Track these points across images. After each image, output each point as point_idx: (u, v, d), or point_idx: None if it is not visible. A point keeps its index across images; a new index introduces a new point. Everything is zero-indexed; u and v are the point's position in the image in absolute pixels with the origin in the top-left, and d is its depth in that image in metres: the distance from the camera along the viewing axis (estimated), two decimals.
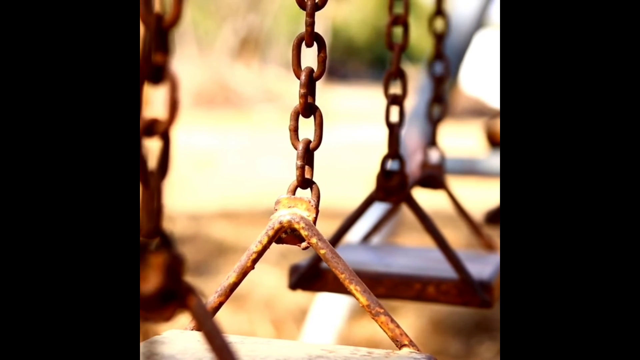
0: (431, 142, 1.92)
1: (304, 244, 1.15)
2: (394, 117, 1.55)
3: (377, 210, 2.00)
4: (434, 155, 1.90)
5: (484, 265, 1.63)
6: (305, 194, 1.18)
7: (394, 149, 1.54)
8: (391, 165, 1.55)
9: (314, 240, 1.14)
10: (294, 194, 1.18)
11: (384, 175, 1.53)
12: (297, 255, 4.36)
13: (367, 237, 1.91)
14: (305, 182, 1.18)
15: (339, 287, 1.53)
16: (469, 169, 3.48)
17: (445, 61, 1.91)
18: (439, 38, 1.91)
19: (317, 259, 1.52)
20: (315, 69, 1.19)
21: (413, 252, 1.77)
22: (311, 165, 1.19)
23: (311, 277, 1.54)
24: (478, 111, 14.77)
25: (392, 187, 1.53)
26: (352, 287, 1.12)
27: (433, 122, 1.93)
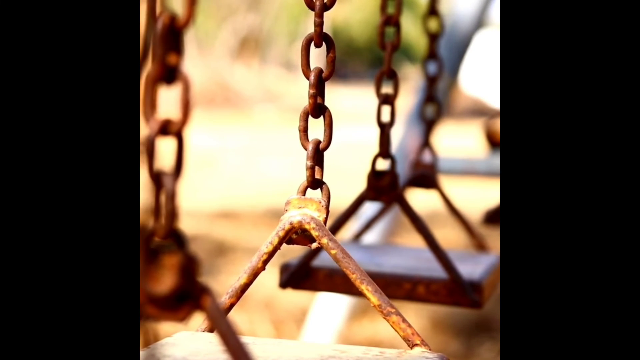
0: (425, 141, 1.92)
1: (314, 245, 1.15)
2: (386, 117, 1.55)
3: (372, 209, 2.00)
4: (427, 155, 1.90)
5: (476, 266, 1.63)
6: (315, 194, 1.18)
7: (385, 148, 1.54)
8: (383, 164, 1.55)
9: (324, 240, 1.14)
10: (304, 194, 1.17)
11: (375, 175, 1.53)
12: (297, 255, 4.36)
13: (358, 236, 1.91)
14: (315, 183, 1.18)
15: (329, 286, 1.54)
16: (469, 169, 3.47)
17: (438, 61, 1.91)
18: (433, 38, 1.91)
19: (307, 258, 1.53)
20: (323, 69, 1.19)
21: (406, 252, 1.77)
22: (321, 166, 1.19)
23: (302, 276, 1.54)
24: (478, 111, 14.76)
25: (383, 186, 1.53)
26: (363, 287, 1.12)
27: (427, 121, 1.93)
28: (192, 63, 15.96)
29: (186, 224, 5.93)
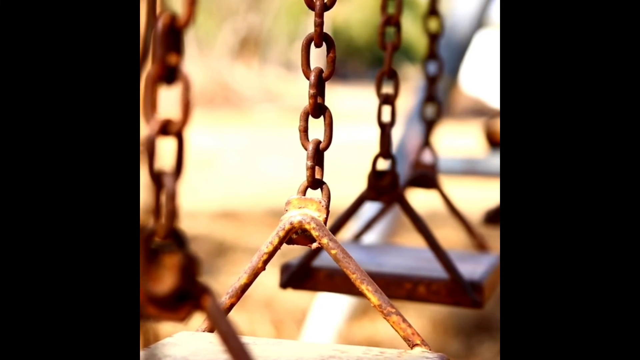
0: (425, 141, 1.92)
1: (314, 245, 1.15)
2: (386, 117, 1.55)
3: (373, 209, 2.00)
4: (427, 155, 1.91)
5: (476, 265, 1.63)
6: (315, 194, 1.18)
7: (386, 148, 1.54)
8: (384, 164, 1.55)
9: (324, 240, 1.14)
10: (304, 194, 1.17)
11: (376, 175, 1.53)
12: (298, 255, 4.36)
13: (358, 236, 1.91)
14: (315, 183, 1.18)
15: (329, 286, 1.54)
16: (469, 169, 3.48)
17: (439, 61, 1.91)
18: (433, 38, 1.92)
19: (308, 258, 1.53)
20: (324, 69, 1.19)
21: (406, 252, 1.77)
22: (321, 166, 1.19)
23: (302, 276, 1.54)
24: (478, 111, 14.77)
25: (384, 186, 1.53)
26: (363, 287, 1.12)
27: (427, 121, 1.93)
28: (192, 63, 15.96)
29: (186, 224, 5.92)
